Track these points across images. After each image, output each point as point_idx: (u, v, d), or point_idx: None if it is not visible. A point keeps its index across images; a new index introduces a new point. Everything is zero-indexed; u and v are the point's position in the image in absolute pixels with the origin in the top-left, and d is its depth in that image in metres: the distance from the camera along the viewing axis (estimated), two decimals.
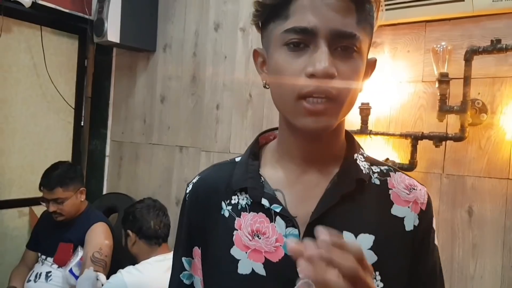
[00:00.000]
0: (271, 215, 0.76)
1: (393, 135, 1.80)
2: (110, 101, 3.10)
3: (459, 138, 1.64)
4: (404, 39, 1.87)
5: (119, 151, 3.05)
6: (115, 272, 2.01)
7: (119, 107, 3.06)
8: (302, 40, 0.69)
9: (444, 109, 1.66)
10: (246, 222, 0.77)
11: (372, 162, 0.82)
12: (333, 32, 0.67)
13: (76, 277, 2.19)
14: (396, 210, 0.77)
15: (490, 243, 1.63)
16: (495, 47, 1.56)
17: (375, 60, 0.79)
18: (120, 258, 2.35)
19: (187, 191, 0.87)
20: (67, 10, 2.80)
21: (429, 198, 0.80)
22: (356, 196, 0.76)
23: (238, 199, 0.80)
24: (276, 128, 0.85)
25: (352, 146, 0.81)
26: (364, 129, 1.85)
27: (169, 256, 1.96)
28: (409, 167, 1.75)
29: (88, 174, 3.09)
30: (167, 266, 1.90)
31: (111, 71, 3.09)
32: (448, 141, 1.70)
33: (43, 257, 2.33)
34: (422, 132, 1.72)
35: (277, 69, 0.72)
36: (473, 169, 1.68)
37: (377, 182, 0.79)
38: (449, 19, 1.75)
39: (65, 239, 2.31)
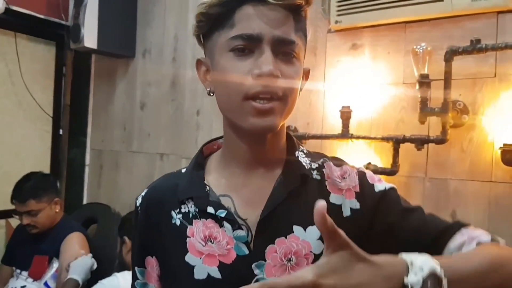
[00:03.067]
0: (219, 220, 0.79)
1: (374, 138, 1.76)
2: (90, 108, 3.03)
3: (440, 140, 1.61)
4: (384, 41, 1.83)
5: (99, 160, 2.98)
6: (92, 285, 1.96)
7: (99, 115, 3.00)
8: (247, 46, 0.73)
9: (425, 110, 1.63)
10: (198, 229, 0.80)
11: (312, 158, 0.86)
12: (276, 38, 0.73)
13: None
14: (333, 199, 0.81)
15: None
16: (475, 47, 1.53)
17: (309, 70, 0.84)
18: (98, 270, 2.30)
19: (137, 204, 0.90)
20: (42, 16, 2.74)
21: (360, 175, 0.84)
22: (301, 191, 0.80)
23: (188, 207, 0.83)
24: (219, 138, 0.89)
25: (292, 144, 0.85)
26: (345, 133, 1.81)
27: None
28: (392, 171, 1.71)
29: (68, 184, 3.01)
30: None
31: (90, 78, 3.03)
32: (430, 144, 1.67)
33: (18, 271, 2.27)
34: (404, 135, 1.68)
35: (224, 72, 0.75)
36: (455, 172, 1.65)
37: (318, 177, 0.83)
38: (429, 20, 1.72)
39: (40, 252, 2.26)
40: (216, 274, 0.78)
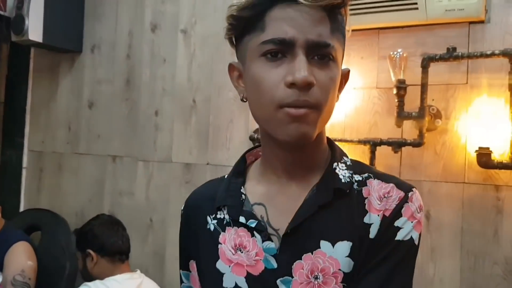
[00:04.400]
0: (250, 230, 0.78)
1: (351, 141, 1.79)
2: (28, 106, 2.80)
3: (417, 144, 1.66)
4: (357, 45, 1.87)
5: (38, 162, 2.76)
6: None
7: (38, 113, 2.77)
8: (280, 50, 0.70)
9: (402, 115, 1.68)
10: (230, 237, 0.80)
11: (355, 170, 0.81)
12: (310, 41, 0.69)
13: None
14: (368, 218, 0.76)
15: (449, 247, 1.67)
16: (451, 55, 1.60)
17: (349, 71, 0.82)
18: (46, 282, 2.14)
19: (182, 208, 0.91)
20: None
21: (401, 201, 0.76)
22: (334, 205, 0.76)
23: (223, 214, 0.82)
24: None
25: (333, 155, 0.82)
26: None
27: (135, 275, 1.90)
28: None
29: (1, 189, 2.76)
30: (135, 285, 1.83)
31: (29, 74, 2.79)
32: (404, 147, 1.72)
33: None
34: (381, 139, 1.72)
35: (256, 80, 0.73)
36: (429, 174, 1.71)
37: (357, 191, 0.78)
38: (402, 27, 1.78)
39: None
40: (243, 284, 0.77)
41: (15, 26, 2.35)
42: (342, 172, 0.79)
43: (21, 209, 2.78)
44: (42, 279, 2.11)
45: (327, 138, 0.83)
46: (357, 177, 0.80)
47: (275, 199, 0.79)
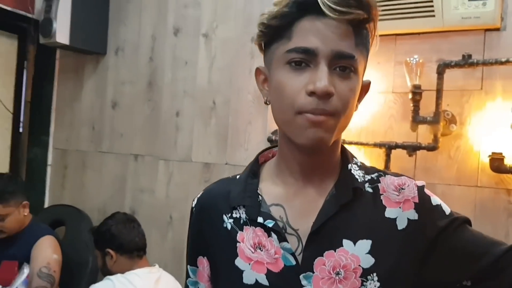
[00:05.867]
0: (267, 230, 0.81)
1: (367, 144, 1.84)
2: (53, 106, 2.90)
3: (432, 148, 1.71)
4: (374, 51, 1.91)
5: (63, 160, 2.86)
6: None
7: (63, 112, 2.87)
8: (304, 60, 0.74)
9: (417, 119, 1.72)
10: (248, 236, 0.82)
11: (366, 170, 0.86)
12: (333, 53, 0.73)
13: None
14: (389, 213, 0.82)
15: None
16: (467, 62, 1.64)
17: (369, 83, 0.85)
18: (70, 274, 2.22)
19: (193, 205, 0.93)
20: (8, 8, 2.58)
21: (419, 188, 0.84)
22: (353, 205, 0.80)
23: (240, 213, 0.85)
24: (274, 146, 0.91)
25: (345, 157, 0.86)
26: None
27: (154, 270, 1.96)
28: None
29: (27, 185, 2.85)
30: (154, 278, 1.89)
31: (54, 74, 2.89)
32: (419, 151, 1.76)
33: None
34: (396, 142, 1.77)
35: (279, 85, 0.76)
36: (443, 177, 1.76)
37: (370, 190, 0.83)
38: (419, 33, 1.82)
39: (9, 257, 2.16)
40: (264, 281, 0.79)
41: (43, 28, 2.44)
42: (356, 172, 0.84)
43: (46, 205, 2.88)
44: (65, 272, 2.20)
45: None
46: (367, 177, 0.85)
47: (294, 201, 0.83)
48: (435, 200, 0.85)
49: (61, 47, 2.59)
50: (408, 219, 0.81)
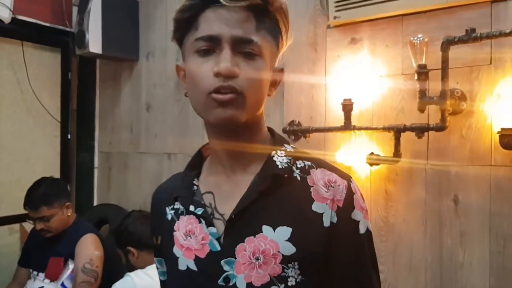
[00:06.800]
0: (198, 217, 0.86)
1: (376, 129, 1.82)
2: (96, 112, 3.10)
3: (440, 128, 1.66)
4: (382, 34, 1.89)
5: (107, 162, 3.04)
6: (107, 284, 1.99)
7: (106, 118, 3.06)
8: (210, 47, 0.78)
9: (424, 99, 1.68)
10: (182, 224, 0.88)
11: (297, 156, 0.87)
12: (234, 38, 0.77)
13: None
14: (316, 207, 0.82)
15: (477, 230, 1.65)
16: (470, 36, 1.58)
17: (282, 69, 0.87)
18: (112, 269, 2.36)
19: (151, 202, 1.01)
20: (47, 24, 2.79)
21: (349, 192, 0.83)
22: (276, 192, 0.82)
23: (179, 204, 0.90)
24: None
25: (273, 143, 0.89)
26: (347, 125, 1.86)
27: None
28: (394, 159, 1.76)
29: (78, 187, 3.07)
30: None
31: (96, 82, 3.09)
32: (430, 132, 1.72)
33: (35, 273, 2.32)
34: (404, 125, 1.74)
35: (191, 73, 0.81)
36: (456, 157, 1.70)
37: (298, 177, 0.84)
38: (425, 12, 1.77)
39: (55, 253, 2.30)
40: (193, 266, 0.84)
41: (78, 40, 2.62)
42: (279, 158, 0.86)
43: (94, 204, 3.08)
44: (108, 268, 2.31)
45: (269, 128, 0.91)
46: (300, 163, 0.86)
47: (222, 187, 0.86)
48: (357, 214, 0.83)
49: (98, 56, 2.76)
50: (331, 220, 0.81)
